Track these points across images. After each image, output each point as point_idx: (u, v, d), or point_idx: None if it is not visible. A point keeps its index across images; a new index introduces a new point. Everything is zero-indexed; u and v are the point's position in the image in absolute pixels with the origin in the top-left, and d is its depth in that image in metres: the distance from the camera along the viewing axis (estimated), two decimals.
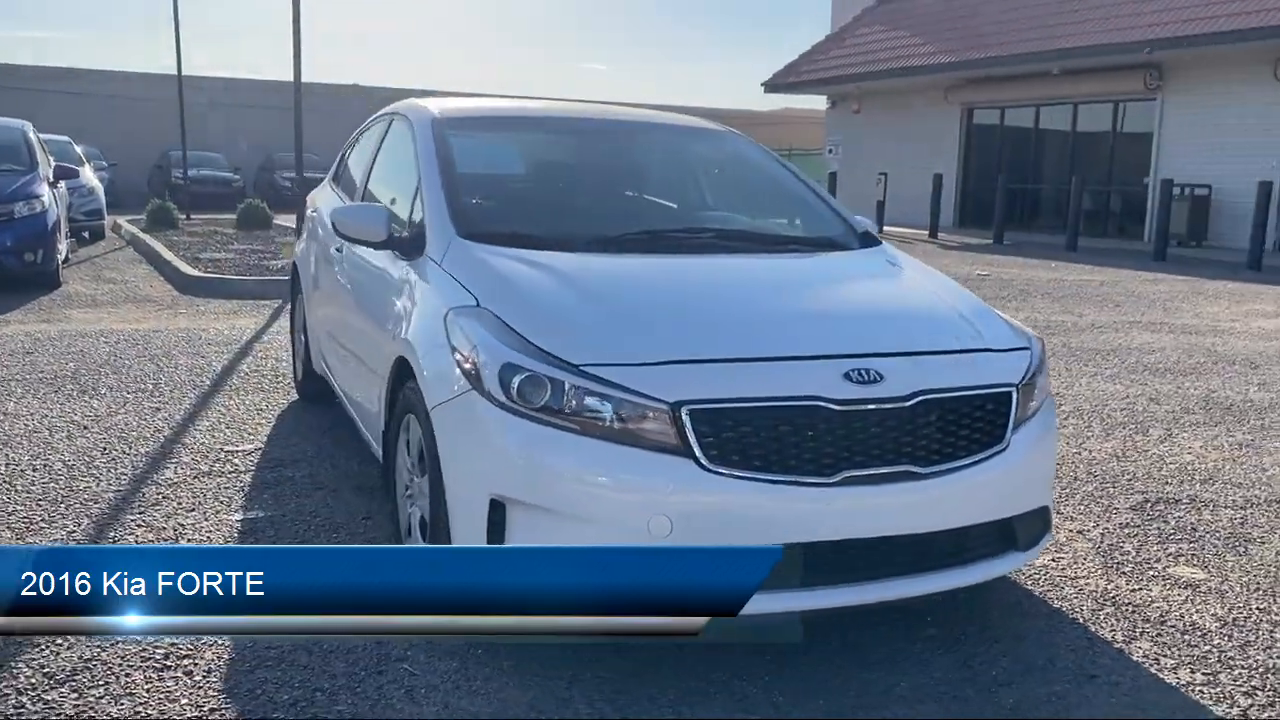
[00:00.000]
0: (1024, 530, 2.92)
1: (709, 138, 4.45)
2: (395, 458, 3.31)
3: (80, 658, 2.74)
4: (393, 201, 4.01)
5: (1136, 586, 3.43)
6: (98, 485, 4.15)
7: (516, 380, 2.63)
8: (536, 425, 2.58)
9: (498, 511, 2.63)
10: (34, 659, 2.73)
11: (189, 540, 3.61)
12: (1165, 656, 2.95)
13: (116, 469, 4.36)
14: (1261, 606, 3.30)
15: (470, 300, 2.94)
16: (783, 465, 2.53)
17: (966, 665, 2.86)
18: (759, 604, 2.45)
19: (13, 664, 2.70)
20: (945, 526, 2.73)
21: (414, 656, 2.80)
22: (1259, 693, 2.76)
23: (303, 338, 5.48)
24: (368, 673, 2.71)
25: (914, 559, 2.73)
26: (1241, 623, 3.18)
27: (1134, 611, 3.24)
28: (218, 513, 3.89)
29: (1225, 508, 4.27)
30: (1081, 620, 3.17)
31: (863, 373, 2.66)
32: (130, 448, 4.67)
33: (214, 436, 4.90)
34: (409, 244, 3.52)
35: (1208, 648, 3.02)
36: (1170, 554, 3.74)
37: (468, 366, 2.74)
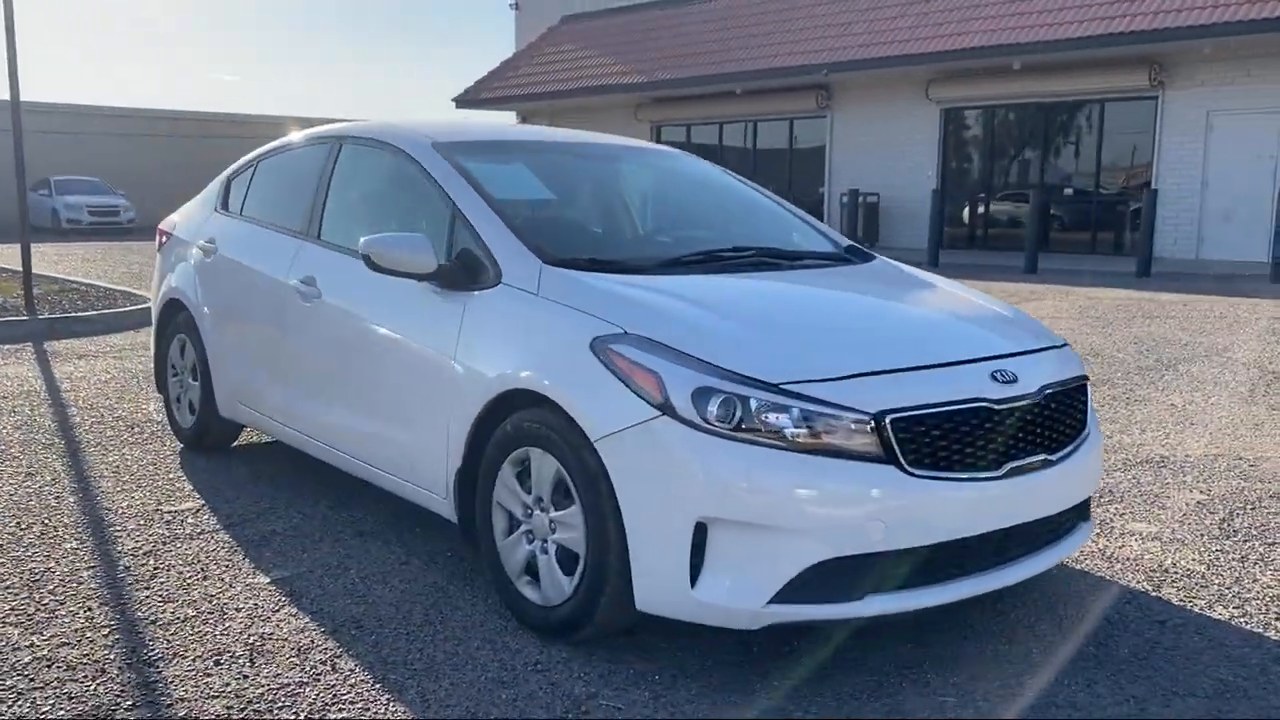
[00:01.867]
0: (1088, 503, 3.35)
1: (680, 159, 4.59)
2: (491, 497, 3.20)
3: None
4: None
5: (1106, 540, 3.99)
6: (60, 567, 3.62)
7: (713, 402, 2.68)
8: (741, 445, 2.65)
9: (700, 533, 2.68)
10: None
11: (241, 609, 3.27)
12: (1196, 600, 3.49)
13: (59, 546, 3.82)
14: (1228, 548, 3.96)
15: (613, 328, 2.92)
16: (964, 464, 2.78)
17: (1060, 628, 3.24)
18: (931, 597, 2.72)
19: None
20: (1063, 507, 3.09)
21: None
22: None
23: (193, 381, 5.00)
24: None
25: (1031, 540, 3.05)
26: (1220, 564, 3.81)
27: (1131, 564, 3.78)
28: (237, 578, 3.53)
29: None
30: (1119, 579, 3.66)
31: (1003, 373, 2.96)
32: (51, 519, 4.08)
33: (136, 498, 4.38)
34: (462, 275, 3.41)
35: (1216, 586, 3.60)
36: None
37: (652, 393, 2.74)
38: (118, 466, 4.85)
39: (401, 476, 3.65)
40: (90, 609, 3.26)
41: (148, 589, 3.42)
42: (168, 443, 5.29)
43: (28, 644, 3.00)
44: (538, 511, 3.08)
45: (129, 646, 3.00)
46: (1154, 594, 3.47)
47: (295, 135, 4.81)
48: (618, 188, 4.29)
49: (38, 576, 3.52)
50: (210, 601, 3.32)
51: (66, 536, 3.91)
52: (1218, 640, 3.12)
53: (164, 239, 5.46)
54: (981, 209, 20.08)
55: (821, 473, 2.64)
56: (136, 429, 5.57)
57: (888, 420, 2.69)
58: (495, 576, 3.24)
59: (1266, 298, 12.31)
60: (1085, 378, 3.31)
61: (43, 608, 3.27)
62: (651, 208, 4.29)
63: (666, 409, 2.71)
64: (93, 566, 3.61)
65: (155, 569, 3.60)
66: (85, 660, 2.91)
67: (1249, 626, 3.22)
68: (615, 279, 3.22)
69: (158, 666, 2.88)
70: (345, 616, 3.22)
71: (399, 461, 3.65)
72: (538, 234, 3.46)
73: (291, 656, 2.95)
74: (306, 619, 3.20)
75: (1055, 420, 3.04)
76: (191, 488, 4.54)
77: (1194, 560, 3.77)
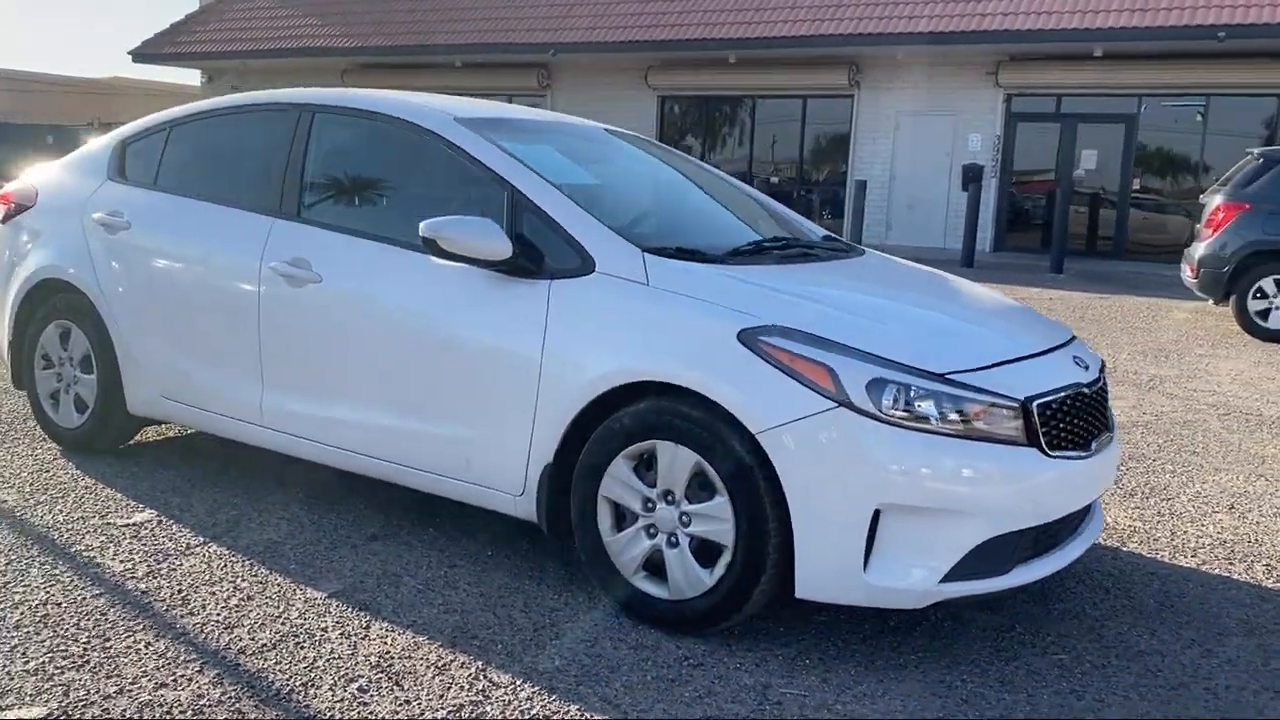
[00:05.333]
0: None
1: (651, 145, 4.57)
2: (595, 493, 3.12)
3: None
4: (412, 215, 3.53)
5: None
6: (66, 610, 3.10)
7: (886, 393, 2.80)
8: (915, 433, 2.79)
9: (873, 519, 2.80)
10: None
11: (328, 630, 2.97)
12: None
13: (28, 581, 3.25)
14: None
15: (756, 320, 2.95)
16: (1074, 443, 3.07)
17: (1128, 595, 3.65)
18: (1045, 568, 3.02)
19: None
20: (1113, 480, 3.47)
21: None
22: None
23: (83, 375, 4.36)
24: None
25: (1083, 516, 3.40)
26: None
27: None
28: (287, 596, 3.19)
29: None
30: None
31: (1080, 359, 3.30)
32: None
33: (64, 512, 3.79)
34: (538, 262, 3.27)
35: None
36: None
37: (824, 386, 2.81)
38: (4, 475, 4.15)
39: (450, 475, 3.44)
40: (159, 652, 2.83)
41: (194, 616, 3.02)
42: (40, 445, 4.58)
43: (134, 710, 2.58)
44: (663, 505, 3.04)
45: (245, 685, 2.66)
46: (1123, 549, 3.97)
47: (220, 101, 4.30)
48: (638, 173, 4.22)
49: (51, 620, 2.99)
50: (283, 624, 2.99)
51: (28, 566, 3.33)
52: (1200, 583, 3.64)
53: (11, 209, 4.69)
54: None
55: (984, 457, 2.84)
56: None
57: (1034, 405, 2.93)
58: (601, 573, 3.16)
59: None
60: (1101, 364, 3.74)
61: (108, 659, 2.80)
62: (674, 193, 4.25)
63: (843, 401, 2.79)
64: (102, 597, 3.12)
65: (177, 593, 3.17)
66: (222, 705, 2.55)
67: (1209, 570, 3.79)
68: (717, 269, 3.23)
69: (299, 700, 2.58)
70: (448, 627, 3.03)
71: (446, 460, 3.44)
72: (614, 220, 3.38)
73: (435, 675, 2.75)
74: (410, 634, 2.97)
75: (1106, 401, 3.42)
76: (122, 495, 3.99)
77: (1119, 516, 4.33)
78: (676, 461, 2.99)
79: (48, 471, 4.24)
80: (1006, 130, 18.08)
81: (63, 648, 2.79)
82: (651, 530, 3.08)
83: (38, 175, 4.77)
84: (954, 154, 18.36)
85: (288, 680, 2.68)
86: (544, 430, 3.21)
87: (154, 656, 2.77)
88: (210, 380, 4.01)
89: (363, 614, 3.08)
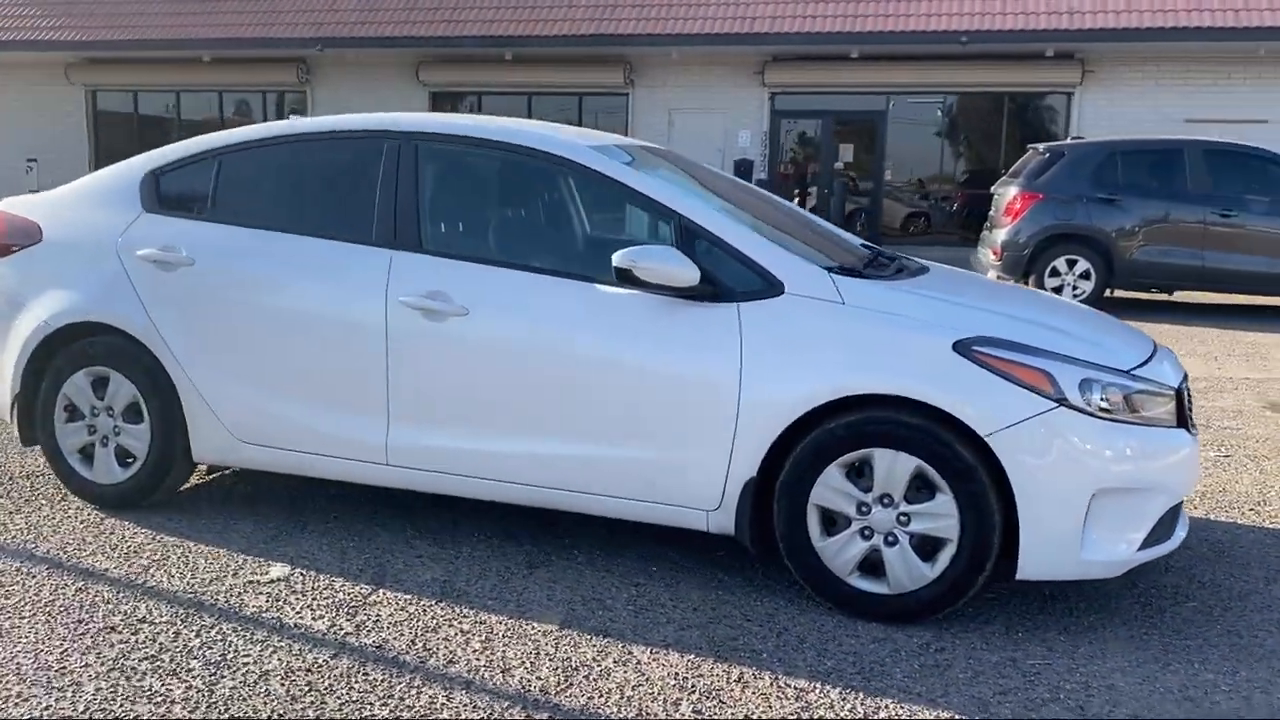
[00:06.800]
0: None
1: (684, 161, 4.70)
2: (805, 501, 3.32)
3: None
4: (569, 244, 3.58)
5: None
6: (279, 664, 2.93)
7: (1093, 391, 3.20)
8: (1118, 424, 3.21)
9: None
10: None
11: (613, 666, 2.99)
12: None
13: (239, 655, 3.04)
14: None
15: (962, 333, 3.25)
16: (1191, 427, 3.59)
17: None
18: (1177, 537, 3.53)
19: None
20: None
21: None
22: None
23: (130, 424, 4.00)
24: None
25: None
26: None
27: None
28: (516, 629, 3.16)
29: None
30: None
31: (1174, 360, 3.82)
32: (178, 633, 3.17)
33: (187, 577, 3.51)
34: (724, 286, 3.41)
35: None
36: None
37: (1044, 388, 3.16)
38: (77, 541, 3.75)
39: (631, 497, 3.51)
40: (484, 708, 2.76)
41: (455, 665, 2.95)
42: (70, 504, 4.14)
43: None
44: (878, 508, 3.29)
45: None
46: None
47: (278, 128, 4.04)
48: (732, 193, 4.34)
49: (318, 688, 2.83)
50: (568, 660, 2.99)
51: (235, 642, 3.10)
52: (1231, 532, 4.31)
53: (13, 249, 4.19)
54: None
55: (1159, 439, 3.29)
56: (29, 482, 4.24)
57: (1184, 393, 3.41)
58: (812, 576, 3.37)
59: None
60: None
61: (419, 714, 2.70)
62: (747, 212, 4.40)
63: (1061, 400, 3.16)
64: (342, 658, 2.97)
65: (413, 643, 3.07)
66: None
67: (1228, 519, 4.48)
68: (891, 287, 3.50)
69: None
70: (700, 643, 3.13)
71: (627, 482, 3.51)
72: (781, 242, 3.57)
73: (741, 689, 2.87)
74: (676, 654, 3.06)
75: None
76: (225, 551, 3.72)
77: None
78: (896, 466, 3.25)
79: (112, 533, 3.87)
80: (772, 127, 19.25)
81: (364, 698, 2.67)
82: (866, 532, 3.32)
83: (27, 209, 4.28)
84: (726, 150, 19.31)
85: (617, 713, 2.72)
86: (746, 446, 3.36)
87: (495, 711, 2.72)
88: (312, 421, 3.82)
89: (616, 641, 3.13)
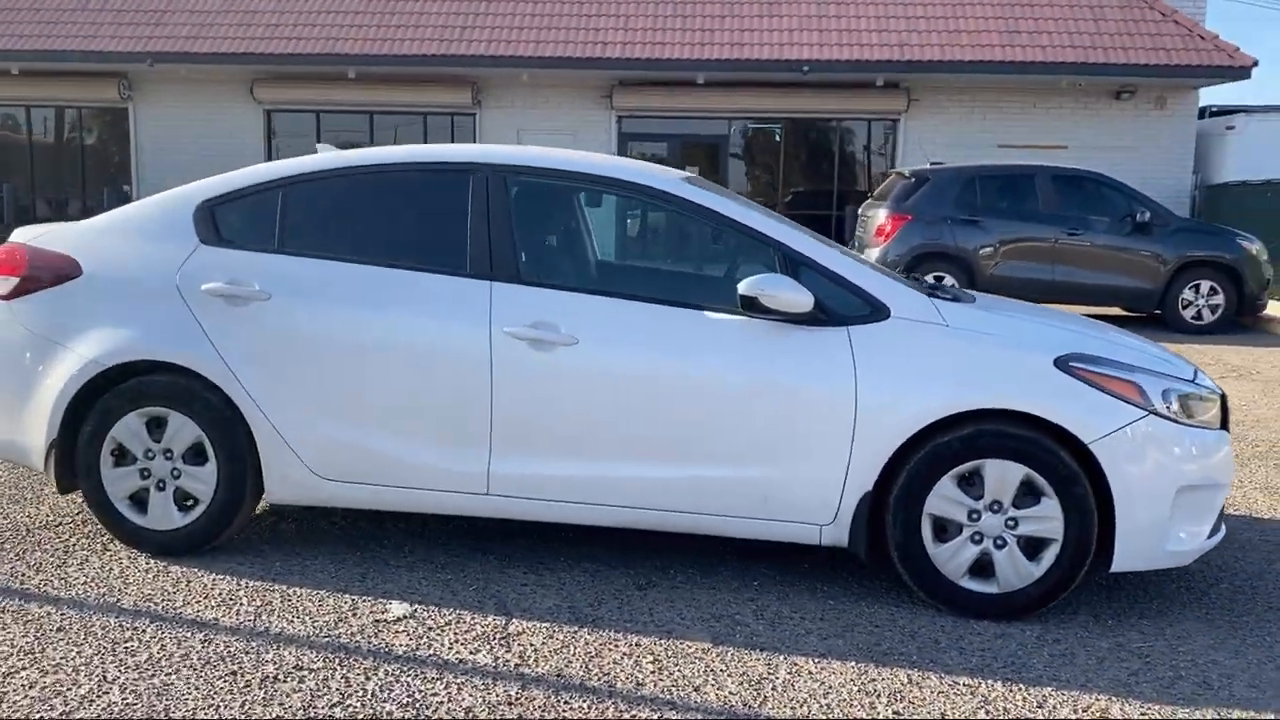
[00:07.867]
0: None
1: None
2: (920, 511, 3.55)
3: None
4: (670, 272, 3.70)
5: None
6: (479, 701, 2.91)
7: (1173, 399, 3.58)
8: (1192, 428, 3.61)
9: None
10: None
11: (807, 682, 3.12)
12: None
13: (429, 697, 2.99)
14: None
15: (1057, 350, 3.58)
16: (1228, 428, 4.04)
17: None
18: (1216, 539, 3.99)
19: None
20: None
21: None
22: None
23: (191, 466, 3.82)
24: None
25: None
26: None
27: None
28: (676, 654, 3.24)
29: None
30: None
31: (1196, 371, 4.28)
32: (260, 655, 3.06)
33: (306, 623, 3.39)
34: (834, 312, 3.62)
35: None
36: None
37: (1134, 398, 3.51)
38: (159, 592, 3.55)
39: (743, 514, 3.66)
40: None
41: (705, 694, 3.01)
42: (120, 552, 3.89)
43: None
44: (988, 514, 3.56)
45: None
46: None
47: (348, 158, 3.95)
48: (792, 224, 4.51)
49: None
50: (813, 686, 3.09)
51: (411, 684, 3.03)
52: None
53: (25, 281, 3.91)
54: None
55: (1214, 439, 3.71)
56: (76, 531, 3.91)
57: (1226, 398, 3.85)
58: (925, 581, 3.61)
59: None
60: None
61: None
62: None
63: (1150, 409, 3.52)
64: (537, 693, 2.97)
65: (647, 674, 3.10)
66: None
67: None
68: (981, 309, 3.80)
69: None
70: (855, 651, 3.30)
71: (740, 501, 3.65)
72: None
73: (941, 696, 3.06)
74: (849, 663, 3.22)
75: None
76: (325, 592, 3.61)
77: None
78: (1007, 475, 3.54)
79: (189, 581, 3.67)
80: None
81: None
82: (976, 537, 3.58)
83: (61, 241, 4.00)
84: None
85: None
86: (863, 461, 3.57)
87: None
88: (404, 453, 3.76)
89: (774, 654, 3.26)
